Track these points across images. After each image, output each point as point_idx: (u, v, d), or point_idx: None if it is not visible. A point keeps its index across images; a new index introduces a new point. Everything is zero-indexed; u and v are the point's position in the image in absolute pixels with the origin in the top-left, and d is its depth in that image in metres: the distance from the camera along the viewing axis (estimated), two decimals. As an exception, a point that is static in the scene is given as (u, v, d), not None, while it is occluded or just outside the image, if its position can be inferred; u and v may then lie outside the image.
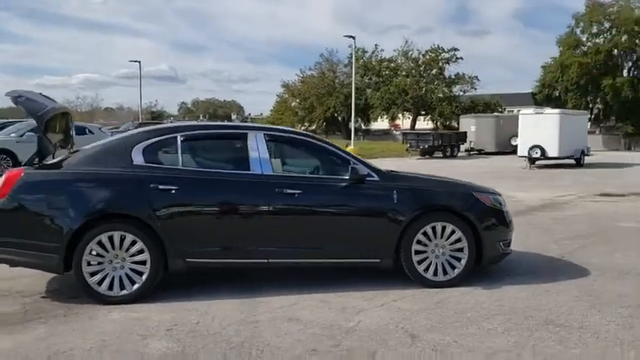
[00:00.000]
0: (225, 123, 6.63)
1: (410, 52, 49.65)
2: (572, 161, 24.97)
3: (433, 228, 5.39)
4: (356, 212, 5.37)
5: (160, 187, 4.99)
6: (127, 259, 4.95)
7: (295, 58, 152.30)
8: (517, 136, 29.95)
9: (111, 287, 4.92)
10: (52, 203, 4.94)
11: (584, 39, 44.94)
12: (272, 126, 6.99)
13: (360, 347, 3.89)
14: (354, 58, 38.90)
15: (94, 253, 4.88)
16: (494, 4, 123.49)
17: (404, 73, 49.53)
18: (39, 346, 3.95)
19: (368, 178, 5.35)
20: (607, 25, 43.89)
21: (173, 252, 5.00)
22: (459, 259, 5.44)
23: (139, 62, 51.63)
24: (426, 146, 30.79)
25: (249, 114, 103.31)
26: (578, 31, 45.15)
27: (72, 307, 4.84)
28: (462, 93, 49.69)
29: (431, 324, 4.37)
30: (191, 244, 5.05)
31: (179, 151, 5.20)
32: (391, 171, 5.75)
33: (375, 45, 52.84)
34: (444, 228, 5.40)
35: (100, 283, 4.91)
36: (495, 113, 41.34)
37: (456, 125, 47.38)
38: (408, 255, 5.35)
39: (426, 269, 5.40)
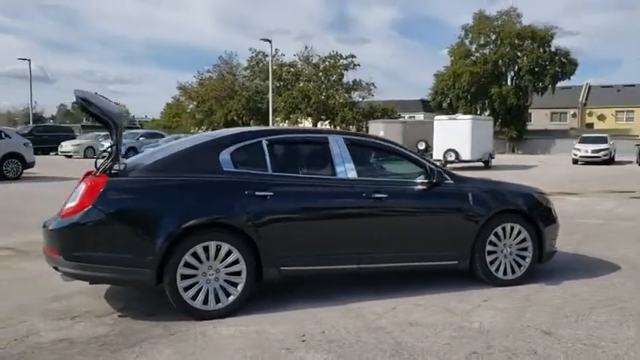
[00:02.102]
0: (305, 127, 6.26)
1: (310, 58, 50.43)
2: (480, 164, 26.73)
3: (503, 228, 5.61)
4: (439, 215, 5.47)
5: (257, 193, 4.76)
6: (221, 271, 4.67)
7: (176, 60, 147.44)
8: (423, 140, 31.55)
9: (205, 301, 4.62)
10: (142, 213, 4.55)
11: (473, 49, 48.16)
12: (348, 131, 6.88)
13: (514, 347, 3.99)
14: (271, 62, 38.82)
15: (188, 265, 4.56)
16: (372, 13, 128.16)
17: (305, 79, 50.14)
18: (191, 368, 3.64)
19: (445, 181, 5.46)
20: (493, 36, 47.37)
21: (268, 261, 4.79)
22: (523, 258, 5.70)
23: (29, 60, 48.03)
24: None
25: (133, 116, 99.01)
26: (467, 41, 48.30)
27: (165, 324, 4.46)
28: (360, 99, 51.24)
29: (548, 320, 4.56)
30: (286, 252, 4.87)
31: (267, 156, 4.99)
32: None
33: (276, 49, 52.93)
34: (512, 228, 5.64)
35: (194, 297, 4.59)
36: (401, 119, 43.08)
37: (355, 130, 48.84)
38: (482, 255, 5.52)
39: (497, 269, 5.60)
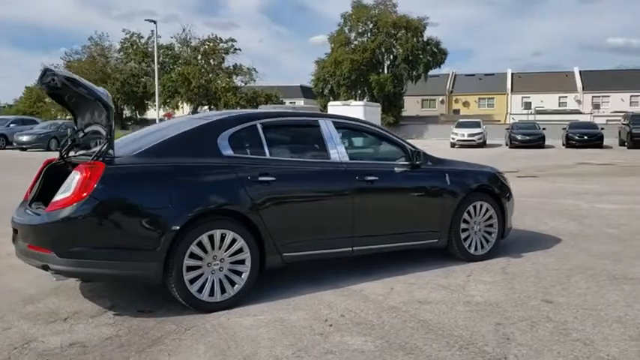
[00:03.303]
0: (296, 110, 5.72)
1: (189, 40, 48.96)
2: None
3: (474, 207, 5.91)
4: (423, 196, 5.64)
5: (260, 178, 4.60)
6: (225, 260, 4.47)
7: (32, 42, 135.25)
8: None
9: (211, 293, 4.40)
10: (146, 201, 4.22)
11: (353, 37, 49.43)
12: (336, 114, 6.73)
13: (530, 316, 4.23)
14: (155, 44, 37.04)
15: (193, 256, 4.32)
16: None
17: (184, 62, 48.59)
18: (240, 362, 3.47)
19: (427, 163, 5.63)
20: (370, 25, 48.91)
21: (271, 247, 4.66)
22: (490, 234, 6.05)
23: None
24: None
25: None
26: (347, 29, 49.44)
27: (173, 320, 4.20)
28: (242, 84, 50.67)
29: (540, 290, 4.89)
30: (288, 238, 4.76)
31: (263, 140, 4.83)
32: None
33: (152, 31, 50.69)
34: (481, 206, 5.96)
35: (200, 289, 4.35)
36: (287, 104, 43.25)
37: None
38: (457, 233, 5.77)
39: (469, 245, 5.89)
